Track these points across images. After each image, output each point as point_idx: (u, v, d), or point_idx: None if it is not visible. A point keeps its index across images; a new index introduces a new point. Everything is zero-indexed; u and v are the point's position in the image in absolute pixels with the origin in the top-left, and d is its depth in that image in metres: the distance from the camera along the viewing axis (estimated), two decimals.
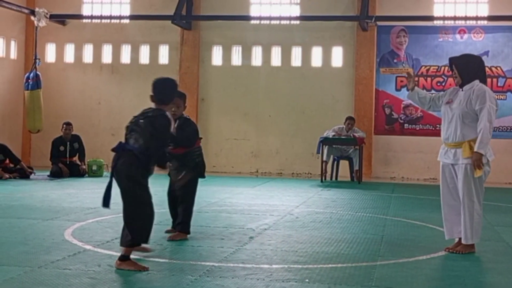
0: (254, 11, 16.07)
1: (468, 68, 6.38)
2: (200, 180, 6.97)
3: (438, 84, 15.17)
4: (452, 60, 6.54)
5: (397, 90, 15.36)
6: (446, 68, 14.20)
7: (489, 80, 13.43)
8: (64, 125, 14.03)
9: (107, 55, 16.55)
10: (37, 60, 14.45)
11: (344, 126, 14.19)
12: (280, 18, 15.91)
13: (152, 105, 5.66)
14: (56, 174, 13.46)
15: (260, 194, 11.42)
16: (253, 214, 8.83)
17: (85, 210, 8.71)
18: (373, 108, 15.43)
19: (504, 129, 14.84)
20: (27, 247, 6.18)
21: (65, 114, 15.76)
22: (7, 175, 12.80)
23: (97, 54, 16.55)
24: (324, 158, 13.94)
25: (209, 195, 10.57)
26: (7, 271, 5.20)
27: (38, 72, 14.29)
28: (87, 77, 16.59)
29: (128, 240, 5.35)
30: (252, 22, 16.05)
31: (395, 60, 15.41)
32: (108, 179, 5.43)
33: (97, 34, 16.54)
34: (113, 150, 5.50)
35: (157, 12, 15.98)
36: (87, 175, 13.85)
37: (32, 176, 13.22)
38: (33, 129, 14.49)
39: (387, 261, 5.99)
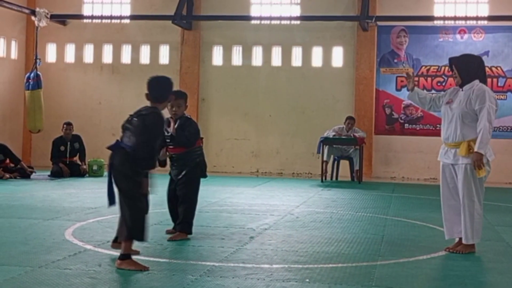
0: (254, 11, 16.08)
1: (468, 68, 6.38)
2: (201, 180, 6.98)
3: (439, 84, 15.17)
4: (452, 60, 6.54)
5: (398, 90, 15.36)
6: (447, 68, 14.20)
7: (489, 80, 13.45)
8: (65, 125, 14.04)
9: (107, 55, 16.56)
10: (38, 60, 14.45)
11: (344, 126, 14.20)
12: (281, 18, 15.92)
13: (149, 103, 5.72)
14: (56, 174, 13.48)
15: (261, 194, 11.43)
16: (254, 214, 8.84)
17: (85, 210, 8.72)
18: (373, 108, 15.44)
19: (504, 129, 14.84)
20: (27, 247, 6.19)
21: (65, 114, 15.77)
22: (7, 175, 12.81)
23: (98, 54, 16.56)
24: (325, 158, 13.95)
25: (209, 195, 10.57)
26: (8, 271, 5.21)
27: (38, 72, 14.29)
28: (87, 77, 16.60)
29: (124, 234, 5.46)
30: (253, 22, 16.05)
31: (395, 60, 15.42)
32: (107, 178, 5.56)
33: (98, 34, 16.55)
34: (108, 148, 5.62)
35: (157, 12, 15.99)
36: (87, 175, 13.86)
37: (32, 176, 13.23)
38: (34, 129, 14.49)
39: (388, 261, 5.99)
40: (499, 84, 14.90)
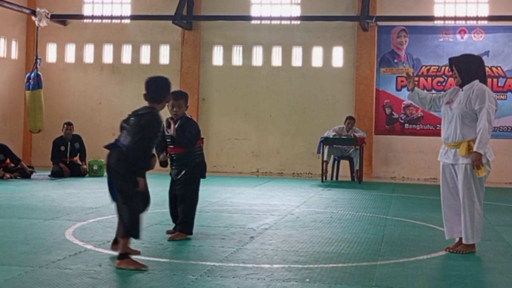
0: (254, 11, 16.08)
1: (468, 68, 6.39)
2: (201, 180, 6.99)
3: (439, 84, 15.17)
4: (452, 60, 6.54)
5: (398, 90, 15.37)
6: (447, 68, 14.20)
7: (489, 80, 13.46)
8: (65, 125, 14.04)
9: (108, 55, 16.57)
10: (38, 60, 14.45)
11: (345, 126, 14.20)
12: (281, 18, 15.92)
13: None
14: (57, 174, 13.49)
15: (261, 194, 11.43)
16: (254, 214, 8.84)
17: (86, 210, 8.72)
18: (373, 108, 15.44)
19: (504, 129, 14.84)
20: (28, 246, 6.19)
21: (66, 114, 15.77)
22: (8, 175, 12.82)
23: (98, 54, 16.56)
24: (325, 158, 13.95)
25: (210, 194, 10.57)
26: (8, 271, 5.21)
27: (39, 72, 14.30)
28: (88, 77, 16.60)
29: (121, 231, 5.53)
30: (253, 22, 16.05)
31: (395, 60, 15.42)
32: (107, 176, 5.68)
33: (98, 34, 16.55)
34: (105, 147, 5.69)
35: (158, 12, 15.99)
36: (88, 175, 13.86)
37: (33, 176, 13.24)
38: (34, 129, 14.50)
39: (388, 260, 6.00)
40: (499, 84, 14.90)
